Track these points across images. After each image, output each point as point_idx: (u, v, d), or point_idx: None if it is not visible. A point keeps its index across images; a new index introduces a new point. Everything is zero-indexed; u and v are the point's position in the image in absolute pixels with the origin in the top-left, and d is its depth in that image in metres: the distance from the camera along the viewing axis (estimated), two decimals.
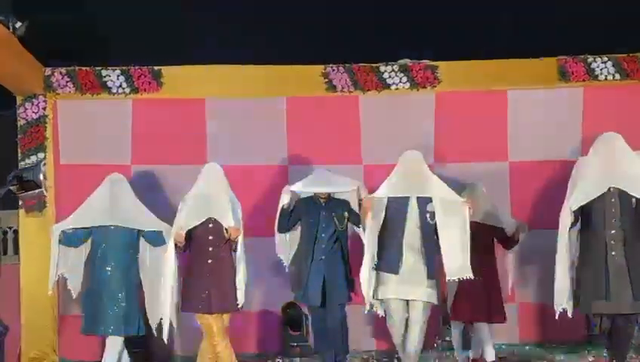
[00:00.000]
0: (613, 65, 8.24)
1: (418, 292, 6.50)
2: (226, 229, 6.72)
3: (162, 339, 6.87)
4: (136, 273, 7.06)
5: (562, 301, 6.31)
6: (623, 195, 6.11)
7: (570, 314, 6.37)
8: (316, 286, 6.98)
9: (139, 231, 7.05)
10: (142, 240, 7.08)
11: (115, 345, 6.93)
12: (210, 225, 6.75)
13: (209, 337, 6.72)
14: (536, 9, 9.79)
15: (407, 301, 6.55)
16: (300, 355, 7.91)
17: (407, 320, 6.59)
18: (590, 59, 8.27)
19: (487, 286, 7.05)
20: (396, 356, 7.16)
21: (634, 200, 6.14)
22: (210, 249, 6.74)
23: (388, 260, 6.54)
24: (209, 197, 6.78)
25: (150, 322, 7.08)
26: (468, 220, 6.47)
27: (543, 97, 8.32)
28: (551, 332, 7.99)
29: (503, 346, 7.65)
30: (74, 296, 7.20)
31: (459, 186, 7.20)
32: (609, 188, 6.12)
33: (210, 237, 6.75)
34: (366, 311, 6.72)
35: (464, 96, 8.32)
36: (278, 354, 8.00)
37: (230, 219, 6.72)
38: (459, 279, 6.50)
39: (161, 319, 6.87)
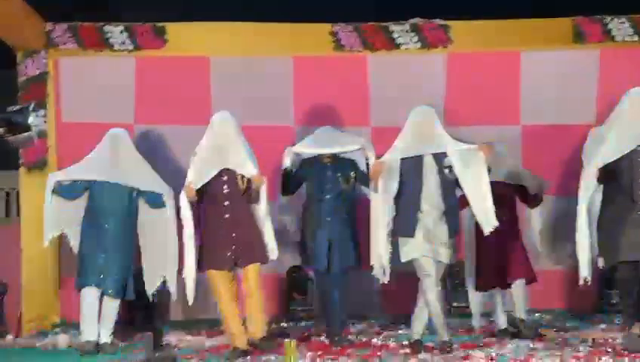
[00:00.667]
0: (631, 26, 8.02)
1: (442, 253, 6.29)
2: (242, 177, 6.42)
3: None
4: (133, 234, 6.83)
5: (586, 271, 6.24)
6: None
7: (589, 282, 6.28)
8: (321, 250, 6.80)
9: (138, 190, 6.80)
10: (141, 201, 6.83)
11: (111, 307, 6.70)
12: (224, 177, 6.42)
13: (218, 302, 6.45)
14: None
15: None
16: (305, 319, 7.80)
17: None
18: (607, 19, 8.06)
19: (513, 247, 6.86)
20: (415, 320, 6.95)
21: None
22: (227, 203, 6.40)
23: (404, 223, 6.32)
24: (223, 147, 6.44)
25: (147, 287, 6.85)
26: (486, 165, 6.31)
27: (557, 59, 8.13)
28: (561, 300, 7.88)
29: (512, 313, 7.49)
30: (76, 253, 6.94)
31: None
32: (637, 146, 6.03)
33: (225, 190, 6.42)
34: (384, 281, 6.50)
35: (476, 57, 8.15)
36: (283, 317, 7.88)
37: (251, 168, 6.43)
38: (490, 232, 6.31)
39: (164, 282, 6.75)
